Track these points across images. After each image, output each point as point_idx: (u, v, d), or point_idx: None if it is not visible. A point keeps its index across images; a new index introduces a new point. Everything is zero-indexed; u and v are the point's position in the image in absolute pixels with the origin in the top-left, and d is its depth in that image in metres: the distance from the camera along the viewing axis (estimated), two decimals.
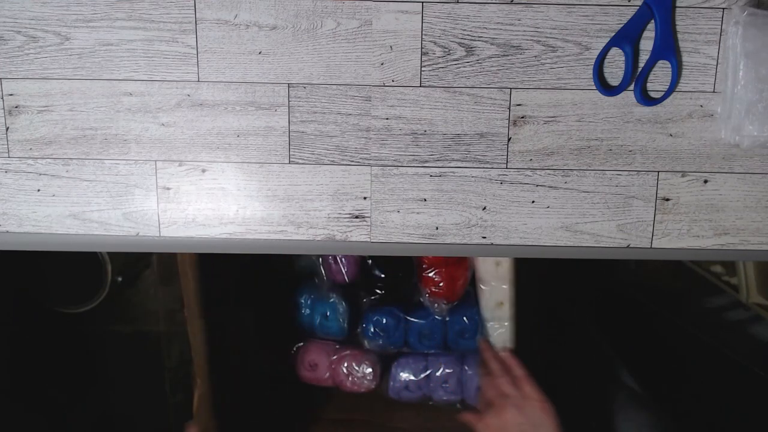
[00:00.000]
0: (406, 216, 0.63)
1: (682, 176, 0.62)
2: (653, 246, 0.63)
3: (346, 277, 1.13)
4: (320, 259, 1.15)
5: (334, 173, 0.62)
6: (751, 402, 1.17)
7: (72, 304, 1.19)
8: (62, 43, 0.60)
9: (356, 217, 0.63)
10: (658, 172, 0.62)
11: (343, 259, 1.12)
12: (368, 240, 0.64)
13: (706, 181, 0.62)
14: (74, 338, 1.20)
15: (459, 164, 0.62)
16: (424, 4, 0.59)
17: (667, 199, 0.62)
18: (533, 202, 0.62)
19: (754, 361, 1.18)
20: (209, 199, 0.63)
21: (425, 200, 0.63)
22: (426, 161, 0.62)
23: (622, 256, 0.64)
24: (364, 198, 0.63)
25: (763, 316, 1.14)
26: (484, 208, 0.63)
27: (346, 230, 0.63)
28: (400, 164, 0.62)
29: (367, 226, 0.63)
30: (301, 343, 1.17)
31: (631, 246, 0.63)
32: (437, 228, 0.63)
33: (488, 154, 0.62)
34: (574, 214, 0.63)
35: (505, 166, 0.62)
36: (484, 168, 0.62)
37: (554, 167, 0.62)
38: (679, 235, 0.63)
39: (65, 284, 1.18)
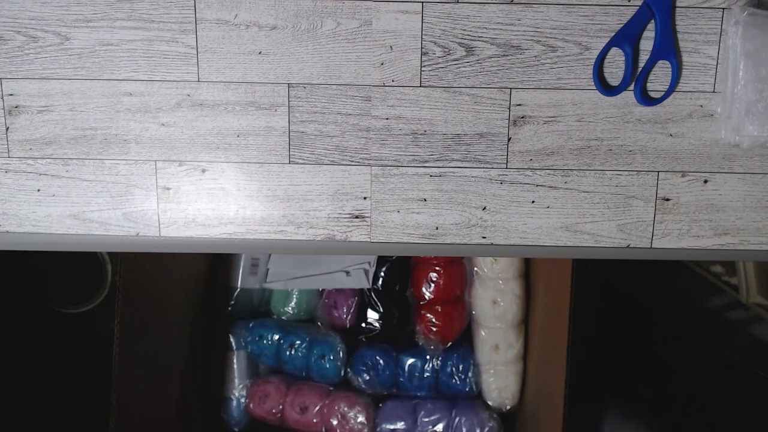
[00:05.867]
0: (406, 216, 0.63)
1: (682, 176, 0.62)
2: (653, 246, 0.63)
3: (347, 322, 1.11)
4: (320, 303, 1.13)
5: (334, 173, 0.62)
6: (751, 402, 1.17)
7: (72, 304, 1.19)
8: (62, 43, 0.60)
9: (356, 217, 0.63)
10: (658, 172, 0.62)
11: (343, 305, 1.11)
12: (368, 240, 0.64)
13: (706, 181, 0.62)
14: (74, 338, 1.20)
15: (459, 164, 0.62)
16: (424, 4, 0.59)
17: (667, 199, 0.62)
18: (533, 202, 0.62)
19: (754, 361, 1.18)
20: (209, 199, 0.63)
21: (425, 200, 0.63)
22: (426, 161, 0.62)
23: (622, 256, 0.64)
24: (364, 198, 0.63)
25: (763, 316, 1.14)
26: (484, 208, 0.63)
27: (346, 230, 0.63)
28: (400, 164, 0.62)
29: (367, 226, 0.63)
30: (292, 385, 1.12)
31: (631, 246, 0.63)
32: (437, 228, 0.63)
33: (488, 154, 0.62)
34: (574, 214, 0.63)
35: (505, 166, 0.62)
36: (484, 168, 0.62)
37: (554, 167, 0.62)
38: (679, 235, 0.63)
39: (65, 284, 1.18)
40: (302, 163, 0.62)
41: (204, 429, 1.17)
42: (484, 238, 0.63)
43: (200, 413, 1.16)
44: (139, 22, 0.60)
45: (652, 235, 0.63)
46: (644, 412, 1.17)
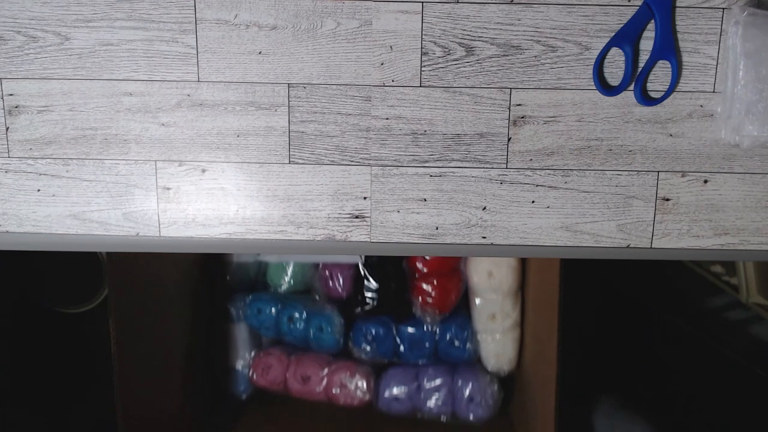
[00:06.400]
0: (406, 216, 0.63)
1: (682, 176, 0.62)
2: (653, 246, 0.63)
3: (343, 293, 1.12)
4: (317, 275, 1.14)
5: (334, 173, 0.62)
6: (751, 402, 1.17)
7: (72, 304, 1.19)
8: (62, 43, 0.60)
9: (356, 217, 0.63)
10: (658, 172, 0.62)
11: (339, 277, 1.11)
12: (368, 240, 0.64)
13: (706, 181, 0.62)
14: (74, 338, 1.20)
15: (459, 164, 0.62)
16: (424, 4, 0.59)
17: (667, 199, 0.62)
18: (533, 202, 0.62)
19: (754, 361, 1.18)
20: (209, 199, 0.63)
21: (425, 200, 0.63)
22: (426, 161, 0.62)
23: (622, 256, 0.64)
24: (364, 198, 0.63)
25: (763, 316, 1.14)
26: (484, 208, 0.63)
27: (346, 230, 0.63)
28: (400, 164, 0.62)
29: (367, 226, 0.63)
30: (293, 356, 1.15)
31: (631, 246, 0.63)
32: (437, 228, 0.63)
33: (488, 154, 0.62)
34: (574, 214, 0.63)
35: (505, 166, 0.62)
36: (484, 168, 0.62)
37: (554, 167, 0.62)
38: (679, 235, 0.63)
39: (65, 284, 1.18)
40: (302, 163, 0.62)
41: (210, 401, 1.19)
42: (484, 238, 0.63)
43: (205, 387, 1.18)
44: (139, 22, 0.60)
45: (652, 235, 0.63)
46: (644, 412, 1.17)
